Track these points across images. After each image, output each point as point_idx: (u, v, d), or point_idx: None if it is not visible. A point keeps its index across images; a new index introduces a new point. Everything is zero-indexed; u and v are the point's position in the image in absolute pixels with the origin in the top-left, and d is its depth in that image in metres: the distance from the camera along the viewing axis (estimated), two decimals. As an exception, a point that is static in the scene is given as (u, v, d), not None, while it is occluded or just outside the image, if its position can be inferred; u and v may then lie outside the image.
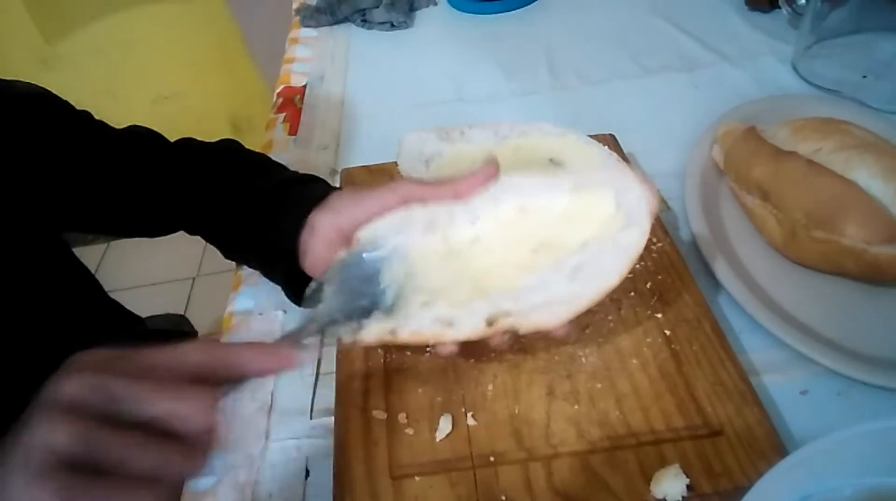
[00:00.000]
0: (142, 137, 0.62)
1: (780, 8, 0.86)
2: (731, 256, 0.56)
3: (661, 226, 0.58)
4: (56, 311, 0.60)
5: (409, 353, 0.50)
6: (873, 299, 0.53)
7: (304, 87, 0.89)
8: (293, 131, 0.81)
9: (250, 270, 0.63)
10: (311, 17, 1.01)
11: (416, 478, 0.43)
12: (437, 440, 0.45)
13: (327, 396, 0.51)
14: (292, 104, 0.86)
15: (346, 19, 1.01)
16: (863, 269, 0.51)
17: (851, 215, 0.51)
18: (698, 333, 0.49)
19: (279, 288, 0.56)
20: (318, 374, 0.54)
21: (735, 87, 0.78)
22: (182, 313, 1.53)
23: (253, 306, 0.60)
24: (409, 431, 0.46)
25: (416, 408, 0.47)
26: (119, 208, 0.62)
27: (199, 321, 1.11)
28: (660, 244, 0.56)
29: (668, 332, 0.50)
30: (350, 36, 0.99)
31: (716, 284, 0.54)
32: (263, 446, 0.49)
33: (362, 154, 0.76)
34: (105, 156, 0.60)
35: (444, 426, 0.45)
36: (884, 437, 0.32)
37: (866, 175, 0.51)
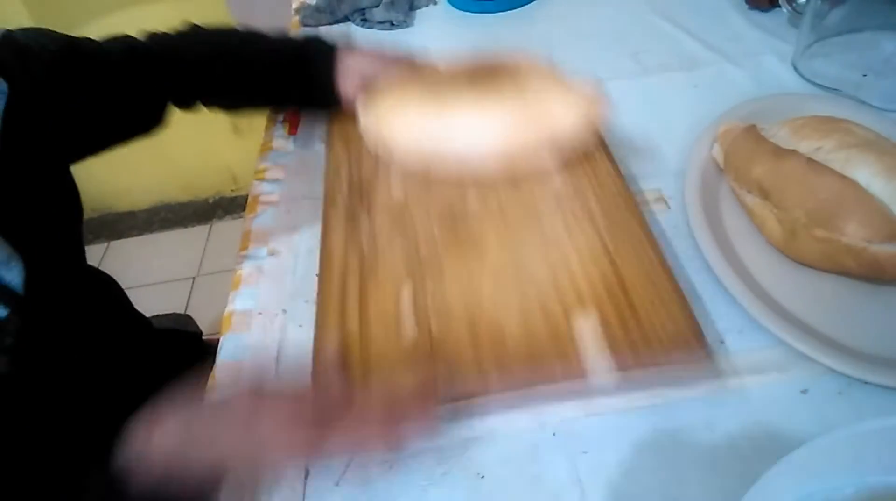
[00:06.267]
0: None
1: (779, 7, 0.86)
2: (731, 255, 0.56)
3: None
4: (79, 311, 0.61)
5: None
6: (874, 297, 0.53)
7: (304, 86, 0.89)
8: (293, 131, 0.81)
9: (250, 269, 0.63)
10: (311, 16, 1.01)
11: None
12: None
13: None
14: (292, 104, 0.86)
15: (345, 18, 1.01)
16: (863, 268, 0.51)
17: (852, 213, 0.51)
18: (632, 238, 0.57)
19: (279, 288, 0.56)
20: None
21: (735, 85, 0.78)
22: (182, 312, 1.53)
23: (253, 306, 0.60)
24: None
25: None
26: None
27: (200, 321, 1.11)
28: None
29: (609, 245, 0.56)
30: (350, 35, 0.99)
31: (716, 283, 0.54)
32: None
33: (362, 154, 0.76)
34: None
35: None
36: (884, 436, 0.32)
37: (867, 174, 0.51)
